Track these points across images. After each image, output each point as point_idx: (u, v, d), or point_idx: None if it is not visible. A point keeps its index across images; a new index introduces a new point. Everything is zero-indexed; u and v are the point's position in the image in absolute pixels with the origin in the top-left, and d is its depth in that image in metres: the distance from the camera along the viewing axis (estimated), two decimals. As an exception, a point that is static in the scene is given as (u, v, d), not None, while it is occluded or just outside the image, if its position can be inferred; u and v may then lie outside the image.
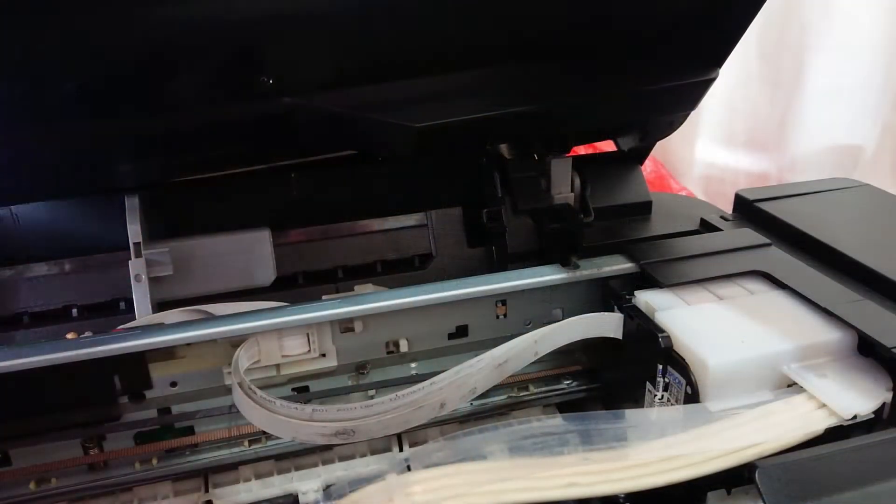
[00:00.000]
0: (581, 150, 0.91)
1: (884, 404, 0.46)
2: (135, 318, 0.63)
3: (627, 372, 0.58)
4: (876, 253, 0.60)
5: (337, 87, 0.59)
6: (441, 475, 0.41)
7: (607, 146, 0.84)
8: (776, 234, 0.66)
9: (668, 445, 0.45)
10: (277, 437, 0.59)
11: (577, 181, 0.72)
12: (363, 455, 0.64)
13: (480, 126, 0.62)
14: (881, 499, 0.41)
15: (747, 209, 0.71)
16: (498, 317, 0.63)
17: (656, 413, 0.52)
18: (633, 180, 0.75)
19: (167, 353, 0.56)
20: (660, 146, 0.85)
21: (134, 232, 0.63)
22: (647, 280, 0.59)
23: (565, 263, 0.62)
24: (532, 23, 0.62)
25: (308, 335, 0.58)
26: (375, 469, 0.60)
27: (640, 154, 0.79)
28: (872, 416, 0.46)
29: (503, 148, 0.74)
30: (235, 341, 0.56)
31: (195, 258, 0.66)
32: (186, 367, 0.57)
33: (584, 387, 0.67)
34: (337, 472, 0.62)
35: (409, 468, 0.44)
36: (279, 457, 0.61)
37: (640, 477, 0.43)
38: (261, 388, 0.52)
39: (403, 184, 0.72)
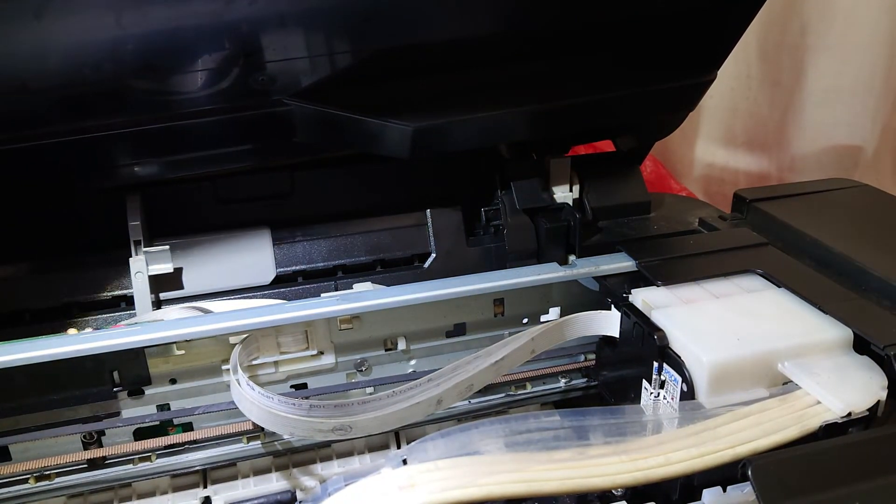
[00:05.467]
0: (581, 149, 0.91)
1: (878, 402, 0.46)
2: (135, 316, 0.63)
3: (624, 370, 0.58)
4: (873, 253, 0.60)
5: (334, 88, 0.60)
6: (436, 469, 0.42)
7: (607, 146, 0.84)
8: (774, 233, 0.66)
9: (664, 441, 0.45)
10: (276, 434, 0.59)
11: (576, 181, 0.73)
12: (361, 452, 0.64)
13: (478, 127, 0.63)
14: (875, 496, 0.41)
15: (746, 209, 0.71)
16: (495, 315, 0.63)
17: (652, 410, 0.53)
18: (631, 180, 0.75)
19: (166, 350, 0.56)
20: (660, 146, 0.85)
21: (134, 230, 0.64)
22: (645, 279, 0.60)
23: (563, 262, 0.62)
24: (529, 24, 0.62)
25: (307, 332, 0.59)
26: (372, 465, 0.60)
27: (639, 154, 0.79)
28: (867, 413, 0.46)
29: (502, 147, 0.75)
30: (234, 338, 0.56)
31: (195, 256, 0.66)
32: (185, 363, 0.57)
33: (581, 385, 0.67)
34: (335, 468, 0.62)
35: (405, 462, 0.44)
36: (277, 453, 0.62)
37: (635, 472, 0.43)
38: (259, 385, 0.52)
39: (403, 183, 0.73)
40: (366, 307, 0.57)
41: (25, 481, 0.56)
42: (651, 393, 0.53)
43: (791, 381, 0.49)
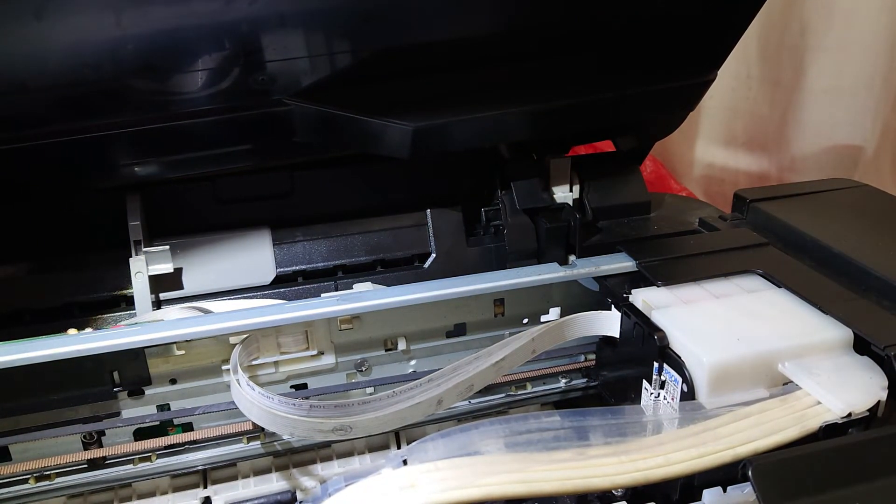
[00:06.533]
0: (581, 149, 0.91)
1: (878, 402, 0.46)
2: (135, 316, 0.63)
3: (624, 370, 0.58)
4: (873, 253, 0.60)
5: (334, 88, 0.60)
6: (436, 469, 0.42)
7: (607, 146, 0.84)
8: (774, 233, 0.66)
9: (664, 442, 0.45)
10: (276, 434, 0.59)
11: (576, 181, 0.73)
12: (361, 453, 0.64)
13: (478, 127, 0.63)
14: (875, 496, 0.41)
15: (746, 209, 0.71)
16: (496, 315, 0.63)
17: (652, 410, 0.53)
18: (631, 180, 0.75)
19: (166, 350, 0.56)
20: (660, 146, 0.85)
21: (134, 230, 0.64)
22: (645, 279, 0.60)
23: (563, 262, 0.62)
24: (530, 23, 0.62)
25: (307, 332, 0.59)
26: (372, 466, 0.60)
27: (639, 154, 0.79)
28: (867, 413, 0.46)
29: (502, 147, 0.75)
30: (234, 338, 0.56)
31: (195, 256, 0.67)
32: (185, 363, 0.57)
33: (581, 385, 0.67)
34: (335, 468, 0.62)
35: (405, 463, 0.44)
36: (277, 453, 0.62)
37: (635, 472, 0.43)
38: (259, 385, 0.52)
39: (403, 183, 0.73)
40: (366, 307, 0.57)
41: (25, 481, 0.56)
42: (651, 393, 0.53)
43: (791, 382, 0.49)
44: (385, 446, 0.65)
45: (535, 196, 0.71)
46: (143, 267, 0.63)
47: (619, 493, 0.48)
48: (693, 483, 0.46)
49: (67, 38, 0.51)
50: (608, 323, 0.58)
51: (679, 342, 0.51)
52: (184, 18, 0.52)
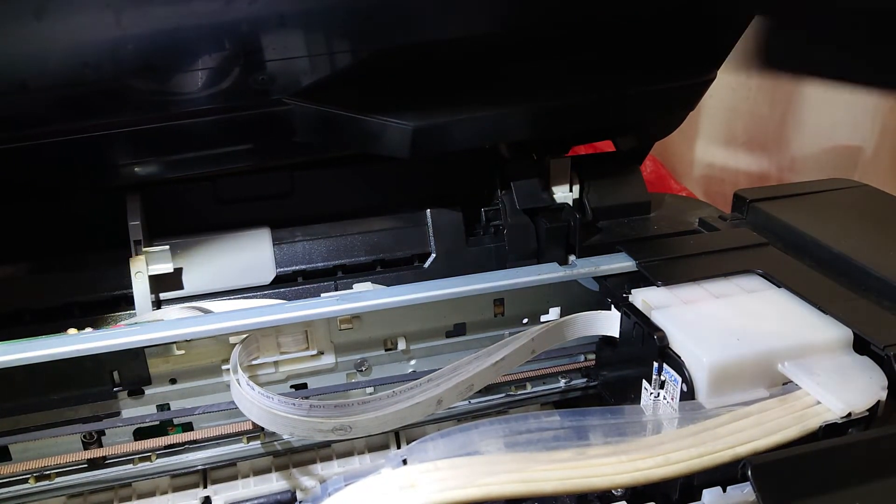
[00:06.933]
0: (581, 149, 0.91)
1: (878, 402, 0.46)
2: (135, 316, 0.63)
3: (624, 370, 0.58)
4: (873, 253, 0.60)
5: (334, 87, 0.60)
6: (436, 469, 0.42)
7: (607, 146, 0.84)
8: (774, 233, 0.66)
9: (664, 442, 0.45)
10: (276, 434, 0.59)
11: (576, 181, 0.73)
12: (361, 452, 0.65)
13: (478, 126, 0.63)
14: (875, 496, 0.41)
15: (746, 209, 0.71)
16: (495, 315, 0.64)
17: (652, 410, 0.53)
18: (631, 180, 0.75)
19: (166, 350, 0.56)
20: (660, 146, 0.85)
21: (134, 230, 0.64)
22: (645, 279, 0.60)
23: (563, 262, 0.62)
24: (530, 23, 0.62)
25: (307, 332, 0.59)
26: (372, 465, 0.60)
27: (639, 154, 0.79)
28: (867, 413, 0.46)
29: (502, 147, 0.75)
30: (234, 338, 0.56)
31: (195, 256, 0.67)
32: (185, 363, 0.57)
33: (581, 385, 0.67)
34: (335, 468, 0.62)
35: (405, 462, 0.44)
36: (277, 453, 0.62)
37: (635, 472, 0.43)
38: (259, 385, 0.52)
39: (403, 183, 0.73)
40: (366, 307, 0.57)
41: (25, 481, 0.56)
42: (651, 393, 0.53)
43: (791, 382, 0.49)
44: (385, 446, 0.65)
45: (535, 196, 0.71)
46: (143, 267, 0.63)
47: (619, 493, 0.48)
48: (693, 483, 0.46)
49: (67, 38, 0.51)
50: (608, 323, 0.58)
51: (679, 342, 0.51)
52: (184, 18, 0.52)
